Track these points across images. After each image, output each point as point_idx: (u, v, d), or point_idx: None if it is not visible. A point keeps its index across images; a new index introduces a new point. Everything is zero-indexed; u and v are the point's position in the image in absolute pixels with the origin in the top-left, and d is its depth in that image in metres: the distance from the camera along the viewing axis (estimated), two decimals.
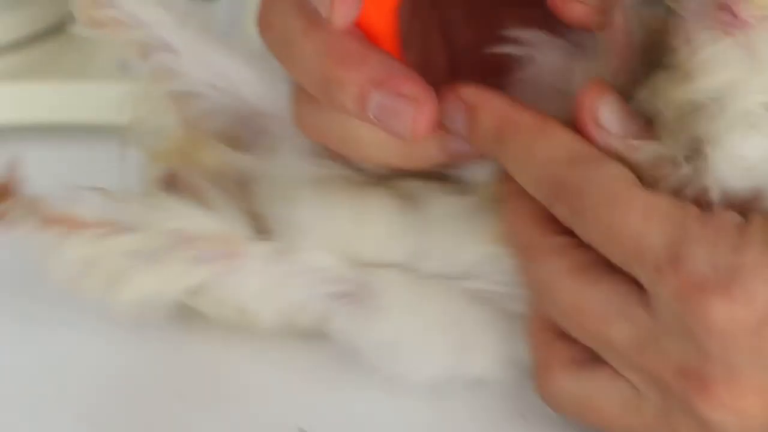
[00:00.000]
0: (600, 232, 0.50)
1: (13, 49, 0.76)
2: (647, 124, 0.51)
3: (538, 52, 0.56)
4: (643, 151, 0.50)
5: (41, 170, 0.69)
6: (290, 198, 0.58)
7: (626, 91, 0.52)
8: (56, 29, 0.77)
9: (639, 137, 0.50)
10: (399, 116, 0.52)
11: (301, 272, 0.57)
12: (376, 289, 0.57)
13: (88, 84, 0.74)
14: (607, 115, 0.51)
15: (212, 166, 0.61)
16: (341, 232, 0.57)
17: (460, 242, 0.56)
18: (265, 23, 0.56)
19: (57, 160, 0.73)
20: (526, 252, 0.53)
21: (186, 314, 0.59)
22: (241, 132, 0.61)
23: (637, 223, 0.48)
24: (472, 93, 0.53)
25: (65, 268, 0.57)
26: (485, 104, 0.53)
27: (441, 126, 0.53)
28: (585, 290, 0.50)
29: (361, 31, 0.53)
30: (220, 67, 0.61)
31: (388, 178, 0.58)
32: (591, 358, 0.51)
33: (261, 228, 0.58)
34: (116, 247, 0.57)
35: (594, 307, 0.50)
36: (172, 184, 0.60)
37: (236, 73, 0.60)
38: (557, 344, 0.52)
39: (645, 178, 0.50)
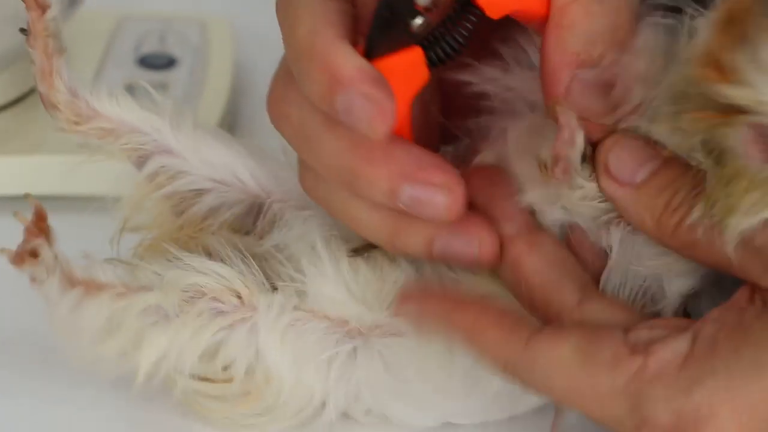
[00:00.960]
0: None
1: None
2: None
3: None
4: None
5: None
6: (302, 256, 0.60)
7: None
8: (14, 102, 0.79)
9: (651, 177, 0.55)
10: (432, 204, 0.54)
11: (312, 322, 0.60)
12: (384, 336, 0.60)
13: (45, 156, 0.75)
14: (615, 164, 0.56)
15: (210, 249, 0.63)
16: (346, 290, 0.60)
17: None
18: (278, 113, 0.57)
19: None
20: None
21: None
22: (244, 218, 0.64)
23: (596, 408, 0.53)
24: (415, 302, 0.57)
25: (85, 332, 0.58)
26: (424, 313, 0.56)
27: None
28: None
29: None
30: (222, 160, 0.63)
31: None
32: None
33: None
34: (136, 305, 0.58)
35: None
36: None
37: (238, 164, 0.63)
38: None
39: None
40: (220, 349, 0.59)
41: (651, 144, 0.56)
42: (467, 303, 0.56)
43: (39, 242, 0.59)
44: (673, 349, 0.52)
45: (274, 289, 0.60)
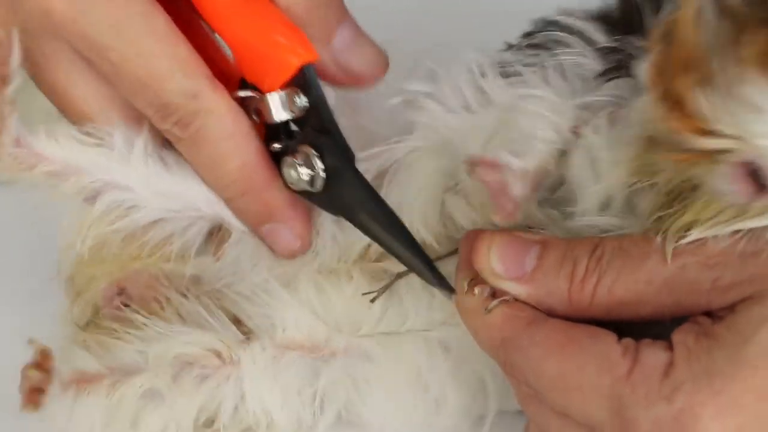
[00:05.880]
0: (560, 408, 0.55)
1: None
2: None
3: None
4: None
5: None
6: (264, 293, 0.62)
7: None
8: None
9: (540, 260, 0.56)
10: (282, 242, 0.63)
11: (287, 354, 0.62)
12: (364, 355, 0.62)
13: None
14: (501, 264, 0.56)
15: (153, 271, 0.64)
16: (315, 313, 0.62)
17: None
18: None
19: None
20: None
21: None
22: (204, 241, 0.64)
23: (579, 405, 0.54)
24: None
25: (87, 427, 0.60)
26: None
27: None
28: None
29: None
30: (176, 189, 0.62)
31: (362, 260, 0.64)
32: None
33: (241, 327, 0.62)
34: (131, 394, 0.59)
35: None
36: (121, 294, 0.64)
37: (193, 190, 0.62)
38: None
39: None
40: (213, 407, 0.61)
41: (521, 232, 0.58)
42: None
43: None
44: (659, 356, 0.53)
45: (246, 329, 0.62)
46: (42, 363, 0.60)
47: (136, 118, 0.62)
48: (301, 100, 0.61)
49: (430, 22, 0.78)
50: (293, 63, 0.60)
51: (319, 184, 0.61)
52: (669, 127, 0.52)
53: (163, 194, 0.62)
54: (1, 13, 0.59)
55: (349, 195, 0.60)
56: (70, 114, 0.62)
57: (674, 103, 0.52)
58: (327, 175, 0.60)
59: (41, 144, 0.60)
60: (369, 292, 0.61)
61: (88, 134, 0.61)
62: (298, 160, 0.60)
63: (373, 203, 0.60)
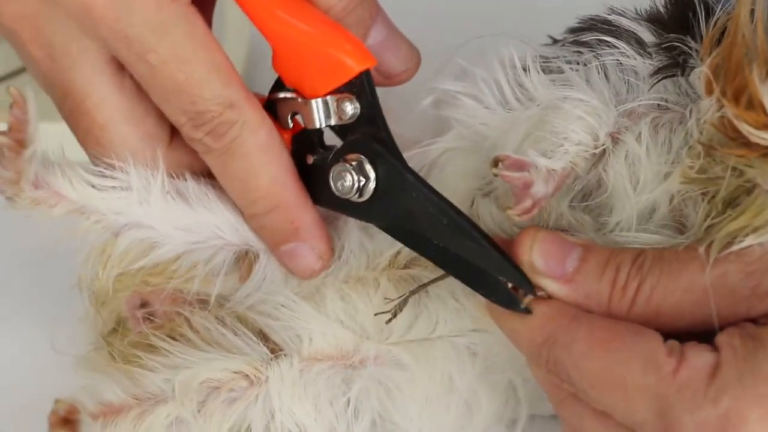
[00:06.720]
0: (602, 407, 0.55)
1: None
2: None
3: None
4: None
5: None
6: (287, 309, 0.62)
7: None
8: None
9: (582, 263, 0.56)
10: (304, 262, 0.62)
11: (315, 366, 0.62)
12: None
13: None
14: (543, 261, 0.57)
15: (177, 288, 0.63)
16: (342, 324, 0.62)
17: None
18: None
19: None
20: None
21: None
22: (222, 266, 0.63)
23: (622, 402, 0.53)
24: None
25: None
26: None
27: None
28: None
29: None
30: (197, 221, 0.62)
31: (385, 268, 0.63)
32: None
33: (268, 343, 0.62)
34: (158, 424, 0.60)
35: None
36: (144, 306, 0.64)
37: (216, 220, 0.62)
38: None
39: None
40: (244, 428, 0.61)
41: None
42: None
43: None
44: (705, 357, 0.53)
45: (273, 346, 0.62)
46: (69, 417, 0.62)
47: (150, 134, 0.61)
48: (353, 106, 0.59)
49: (462, 18, 0.76)
50: (352, 68, 0.59)
51: (368, 193, 0.59)
52: (732, 116, 0.52)
53: (184, 228, 0.61)
54: (37, 5, 0.59)
55: (407, 200, 0.58)
56: (81, 121, 0.60)
57: (737, 95, 0.52)
58: (378, 183, 0.59)
59: (59, 183, 0.59)
60: (383, 312, 0.61)
61: (102, 174, 0.60)
62: (352, 166, 0.59)
63: (440, 203, 0.58)
